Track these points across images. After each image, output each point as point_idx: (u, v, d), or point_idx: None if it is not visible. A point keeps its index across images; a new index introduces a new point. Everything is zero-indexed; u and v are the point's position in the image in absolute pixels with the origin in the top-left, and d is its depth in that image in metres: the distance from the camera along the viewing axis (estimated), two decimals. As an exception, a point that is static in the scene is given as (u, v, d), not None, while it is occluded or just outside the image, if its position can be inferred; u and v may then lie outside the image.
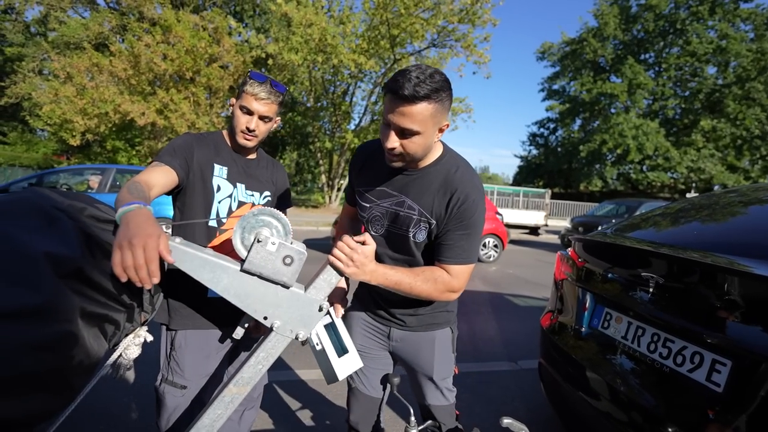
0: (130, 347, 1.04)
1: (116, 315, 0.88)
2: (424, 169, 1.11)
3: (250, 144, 1.27)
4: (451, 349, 1.29)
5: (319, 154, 17.66)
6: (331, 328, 1.09)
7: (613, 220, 9.05)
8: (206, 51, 13.64)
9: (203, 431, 0.97)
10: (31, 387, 0.65)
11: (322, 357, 1.07)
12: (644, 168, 24.44)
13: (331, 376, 1.07)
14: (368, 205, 1.18)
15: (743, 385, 1.01)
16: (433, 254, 1.13)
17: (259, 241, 0.90)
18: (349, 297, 1.49)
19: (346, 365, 1.06)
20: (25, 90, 14.95)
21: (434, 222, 1.09)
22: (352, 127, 17.40)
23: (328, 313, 1.08)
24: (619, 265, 1.53)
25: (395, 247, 1.18)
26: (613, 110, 25.32)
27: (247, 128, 1.23)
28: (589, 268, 1.67)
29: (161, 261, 0.84)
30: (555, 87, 29.33)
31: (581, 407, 1.52)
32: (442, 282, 1.08)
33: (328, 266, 1.02)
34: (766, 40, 21.26)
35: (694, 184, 22.82)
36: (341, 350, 1.08)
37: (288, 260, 0.92)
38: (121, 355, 1.02)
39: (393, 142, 1.01)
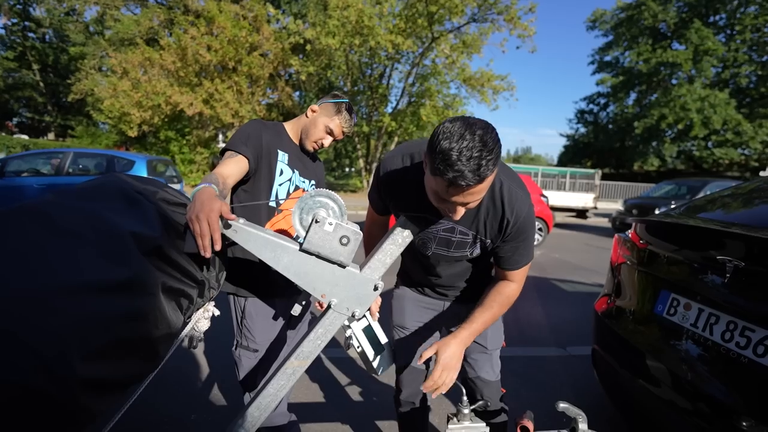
0: (201, 321, 1.12)
1: (190, 290, 0.95)
2: None
3: (314, 150, 1.46)
4: (501, 319, 1.33)
5: (356, 139, 17.75)
6: (368, 330, 1.21)
7: (673, 203, 8.37)
8: (247, 40, 14.01)
9: (268, 399, 1.04)
10: (127, 352, 0.72)
11: (362, 356, 1.19)
12: (710, 144, 22.18)
13: (371, 371, 1.19)
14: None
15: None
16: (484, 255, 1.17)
17: (317, 222, 0.93)
18: (389, 280, 1.51)
19: (382, 361, 1.20)
20: (88, 86, 16.22)
21: (489, 241, 1.10)
22: (389, 110, 17.25)
23: (365, 316, 1.22)
24: (688, 248, 1.42)
25: (445, 260, 1.22)
26: (674, 81, 23.05)
27: (322, 144, 1.42)
28: (652, 250, 1.56)
29: (225, 239, 0.93)
30: (607, 58, 27.15)
31: (640, 394, 1.45)
32: (509, 297, 1.16)
33: (384, 246, 1.04)
34: None
35: (770, 161, 20.48)
36: (378, 349, 1.21)
37: (344, 240, 0.94)
38: (193, 327, 1.11)
39: (460, 214, 0.93)
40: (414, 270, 1.34)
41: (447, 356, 1.04)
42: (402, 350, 1.37)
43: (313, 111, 1.40)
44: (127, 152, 8.03)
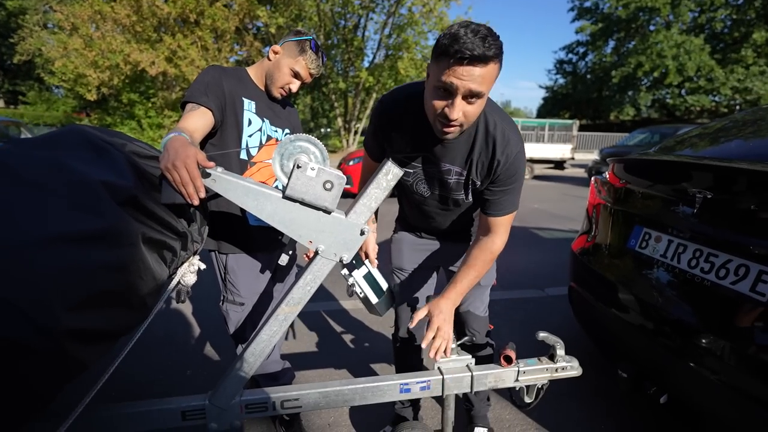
0: (187, 274, 1.11)
1: (172, 242, 0.93)
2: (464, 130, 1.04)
3: (282, 97, 1.34)
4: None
5: (333, 96, 17.09)
6: (368, 276, 1.27)
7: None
8: (208, -12, 12.83)
9: (262, 345, 1.06)
10: (113, 303, 0.71)
11: (366, 302, 1.26)
12: (683, 92, 22.47)
13: (374, 313, 1.26)
14: (412, 171, 1.15)
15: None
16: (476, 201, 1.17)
17: (299, 167, 0.90)
18: (384, 234, 1.53)
19: (383, 303, 1.27)
20: (34, 45, 14.73)
21: (479, 182, 1.10)
22: (366, 64, 16.53)
23: (364, 264, 1.27)
24: (662, 182, 1.48)
25: (443, 203, 1.22)
26: (652, 27, 22.77)
27: (290, 89, 1.30)
28: (629, 188, 1.62)
29: (208, 191, 0.89)
30: (587, 4, 26.36)
31: (613, 324, 1.56)
32: (492, 252, 1.15)
33: (369, 190, 1.03)
34: None
35: (738, 107, 20.97)
36: (380, 293, 1.27)
37: (328, 185, 0.93)
38: (179, 282, 1.10)
39: (459, 111, 0.91)
40: (411, 215, 1.37)
41: (438, 316, 1.11)
42: (401, 291, 1.44)
43: (276, 53, 1.27)
44: None
